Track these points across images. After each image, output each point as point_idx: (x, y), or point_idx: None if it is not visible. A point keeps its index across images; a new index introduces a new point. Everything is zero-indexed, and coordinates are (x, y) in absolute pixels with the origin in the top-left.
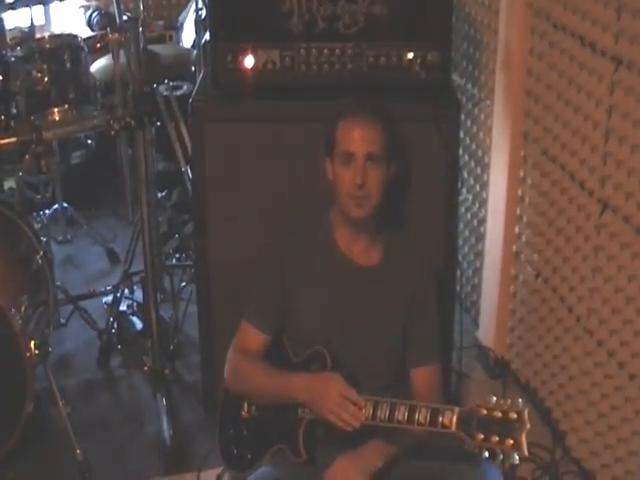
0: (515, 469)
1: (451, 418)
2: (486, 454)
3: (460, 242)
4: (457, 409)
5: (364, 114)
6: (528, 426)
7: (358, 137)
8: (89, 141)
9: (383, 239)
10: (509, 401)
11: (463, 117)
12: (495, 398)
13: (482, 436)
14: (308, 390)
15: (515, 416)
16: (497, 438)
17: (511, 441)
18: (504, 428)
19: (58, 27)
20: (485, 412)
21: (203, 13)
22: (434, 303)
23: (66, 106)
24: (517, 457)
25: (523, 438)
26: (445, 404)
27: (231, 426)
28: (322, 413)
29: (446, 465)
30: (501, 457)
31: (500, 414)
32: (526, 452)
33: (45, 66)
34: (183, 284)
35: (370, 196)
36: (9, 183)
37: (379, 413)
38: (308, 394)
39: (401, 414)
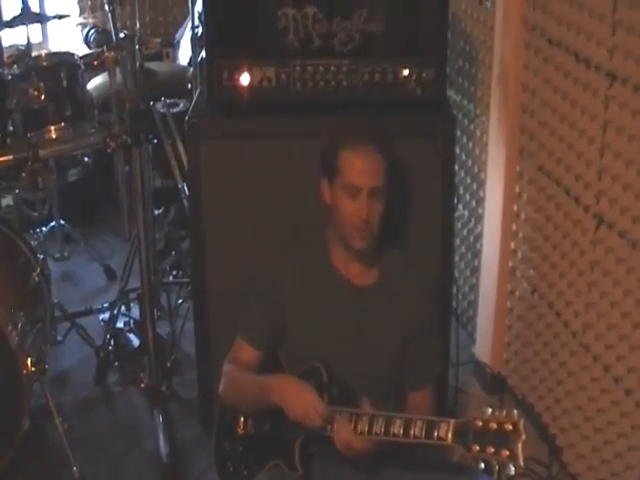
0: None
1: (447, 430)
2: (482, 465)
3: (456, 258)
4: (452, 421)
5: (368, 145)
6: (524, 437)
7: (363, 170)
8: (86, 158)
9: (380, 258)
10: (504, 412)
11: (459, 133)
12: (491, 410)
13: (478, 447)
14: (281, 393)
15: (510, 427)
16: (493, 449)
17: (507, 452)
18: (500, 439)
19: (55, 45)
20: (481, 424)
21: (199, 31)
22: (432, 321)
23: (63, 124)
24: (513, 468)
25: (519, 448)
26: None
27: (227, 443)
28: (291, 416)
29: (440, 477)
30: (497, 468)
31: (496, 425)
32: (522, 462)
33: (42, 84)
34: (180, 301)
35: (372, 228)
36: (6, 200)
37: (375, 427)
38: (281, 397)
39: (397, 428)
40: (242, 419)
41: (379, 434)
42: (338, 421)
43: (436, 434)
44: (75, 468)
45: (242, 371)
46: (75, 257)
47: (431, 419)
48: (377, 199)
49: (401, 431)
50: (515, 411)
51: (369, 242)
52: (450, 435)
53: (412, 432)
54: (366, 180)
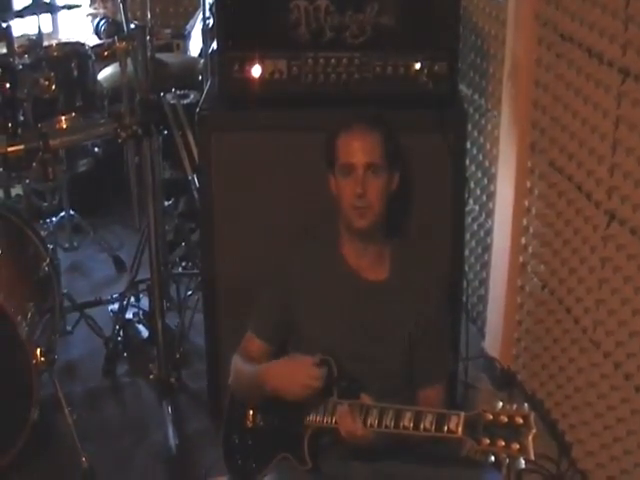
0: (521, 477)
1: (457, 423)
2: (492, 459)
3: (467, 253)
4: (463, 414)
5: (363, 124)
6: (534, 430)
7: (358, 148)
8: (96, 149)
9: (390, 253)
10: (515, 406)
11: (470, 128)
12: (501, 403)
13: (488, 441)
14: (274, 380)
15: (521, 420)
16: (503, 442)
17: (517, 445)
18: (510, 432)
19: (66, 35)
20: (491, 417)
21: (211, 22)
22: (443, 317)
23: (73, 114)
24: (523, 461)
25: (529, 442)
26: None
27: (236, 436)
28: (292, 398)
29: (449, 471)
30: (507, 461)
31: (506, 418)
32: (532, 456)
33: (52, 74)
34: (189, 292)
35: (372, 205)
36: (16, 190)
37: (385, 420)
38: (275, 385)
39: (407, 420)
40: (251, 412)
41: (389, 427)
42: (340, 410)
43: (446, 427)
44: (84, 458)
45: (245, 363)
46: (85, 247)
47: (441, 412)
48: (374, 175)
49: (411, 424)
50: (526, 404)
51: (370, 221)
52: (460, 428)
53: (422, 425)
54: (360, 156)
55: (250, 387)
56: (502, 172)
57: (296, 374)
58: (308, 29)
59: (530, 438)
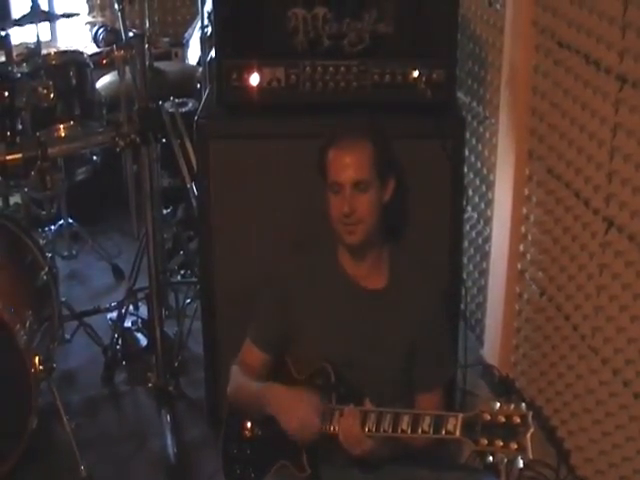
0: None
1: (455, 424)
2: (490, 459)
3: (465, 260)
4: (461, 415)
5: (351, 136)
6: (532, 429)
7: (347, 164)
8: (94, 157)
9: (389, 260)
10: (512, 405)
11: (468, 135)
12: (499, 403)
13: (486, 441)
14: (277, 406)
15: (519, 420)
16: (501, 443)
17: (515, 445)
18: (508, 432)
19: (64, 43)
20: (489, 417)
21: (209, 30)
22: (442, 324)
23: (71, 122)
24: (521, 461)
25: (527, 441)
26: None
27: (234, 446)
28: (287, 429)
29: (447, 477)
30: (505, 461)
31: (504, 418)
32: (531, 455)
33: (51, 82)
34: (188, 301)
35: (362, 221)
36: (14, 199)
37: (383, 424)
38: (276, 410)
39: (405, 424)
40: (249, 422)
41: (387, 431)
42: (340, 419)
43: (444, 429)
44: (82, 467)
45: (245, 377)
46: (83, 256)
47: (439, 414)
48: (363, 192)
49: (409, 427)
50: (523, 404)
51: (361, 236)
52: (458, 429)
53: (420, 428)
54: (348, 173)
55: (250, 404)
56: (500, 179)
57: (299, 412)
58: (306, 37)
59: (528, 437)
